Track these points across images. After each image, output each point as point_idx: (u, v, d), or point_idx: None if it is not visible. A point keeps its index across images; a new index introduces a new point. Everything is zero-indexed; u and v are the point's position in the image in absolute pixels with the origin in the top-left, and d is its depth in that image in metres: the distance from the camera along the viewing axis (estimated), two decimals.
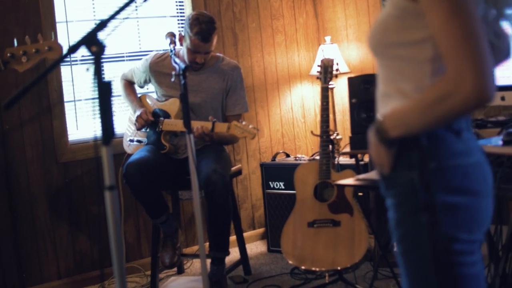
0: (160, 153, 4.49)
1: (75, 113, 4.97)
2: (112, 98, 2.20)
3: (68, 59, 4.88)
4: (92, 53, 2.16)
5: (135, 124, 4.55)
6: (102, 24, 2.19)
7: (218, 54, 4.77)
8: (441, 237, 1.77)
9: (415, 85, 1.83)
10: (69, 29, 4.89)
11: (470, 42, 1.65)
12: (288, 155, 5.47)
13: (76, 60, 4.95)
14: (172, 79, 3.66)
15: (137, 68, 4.77)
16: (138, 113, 4.55)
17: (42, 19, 4.71)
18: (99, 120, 2.19)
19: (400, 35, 1.83)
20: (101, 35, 2.21)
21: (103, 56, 2.18)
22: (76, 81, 4.96)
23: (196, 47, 4.43)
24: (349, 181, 3.85)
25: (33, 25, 4.68)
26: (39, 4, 4.69)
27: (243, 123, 4.06)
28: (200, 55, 4.46)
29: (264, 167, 5.32)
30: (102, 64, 2.20)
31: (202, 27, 4.39)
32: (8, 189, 4.62)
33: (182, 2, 5.46)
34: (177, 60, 3.84)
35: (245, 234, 5.62)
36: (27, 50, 3.71)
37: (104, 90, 2.18)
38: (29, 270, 4.71)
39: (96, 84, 2.15)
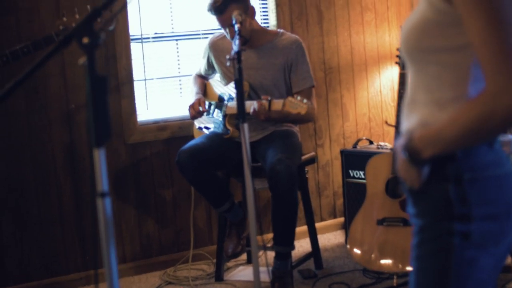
0: (223, 139, 4.27)
1: (146, 92, 4.80)
2: (108, 95, 1.97)
3: (139, 36, 4.71)
4: (83, 45, 1.93)
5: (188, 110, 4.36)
6: (95, 13, 1.96)
7: (278, 30, 4.51)
8: (470, 247, 1.72)
9: (454, 93, 1.73)
10: (141, 5, 4.72)
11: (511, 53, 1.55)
12: (371, 142, 5.12)
13: (148, 38, 4.77)
14: (228, 64, 3.44)
15: (201, 58, 4.59)
16: (191, 102, 4.35)
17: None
18: (92, 119, 1.96)
19: (440, 40, 1.72)
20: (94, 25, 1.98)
21: (96, 47, 1.95)
22: (147, 59, 4.78)
23: (218, 22, 4.25)
24: None
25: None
26: None
27: (298, 98, 3.78)
28: (229, 29, 4.21)
29: (344, 154, 5.01)
30: (95, 57, 1.96)
31: (210, 2, 4.19)
32: (73, 170, 4.51)
33: None
34: (237, 41, 3.59)
35: (325, 223, 5.38)
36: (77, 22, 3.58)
37: (98, 86, 1.95)
38: (92, 253, 4.60)
39: (89, 79, 1.92)
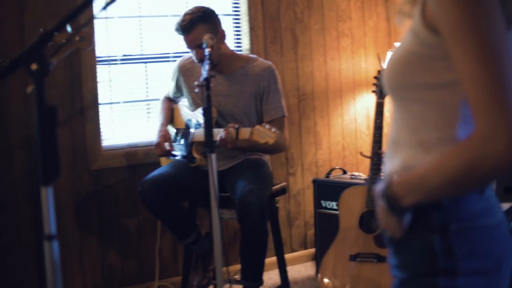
0: (190, 168, 4.09)
1: (112, 116, 4.61)
2: (57, 128, 1.79)
3: (106, 57, 4.52)
4: (31, 73, 1.75)
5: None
6: (45, 36, 1.79)
7: (251, 55, 4.34)
8: None
9: (441, 135, 1.54)
10: (109, 26, 4.53)
11: (505, 93, 1.36)
12: (345, 172, 4.97)
13: (116, 59, 4.59)
14: (196, 90, 3.28)
15: (170, 80, 4.41)
16: (156, 140, 4.20)
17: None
18: (39, 154, 1.78)
19: (425, 75, 1.53)
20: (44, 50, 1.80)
21: (45, 75, 1.77)
22: (114, 82, 4.59)
23: (185, 43, 4.08)
24: None
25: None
26: None
27: (266, 126, 3.60)
28: (195, 50, 4.03)
29: (316, 183, 4.84)
30: (44, 86, 1.78)
31: (178, 21, 4.06)
32: (32, 197, 4.29)
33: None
34: (207, 67, 3.42)
35: (295, 254, 5.20)
36: (56, 41, 3.40)
37: (46, 118, 1.77)
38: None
39: (37, 110, 1.74)
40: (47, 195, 1.78)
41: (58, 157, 1.77)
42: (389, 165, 1.66)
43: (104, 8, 1.92)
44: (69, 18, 1.88)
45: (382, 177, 1.70)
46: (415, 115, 1.57)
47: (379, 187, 1.64)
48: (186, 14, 4.04)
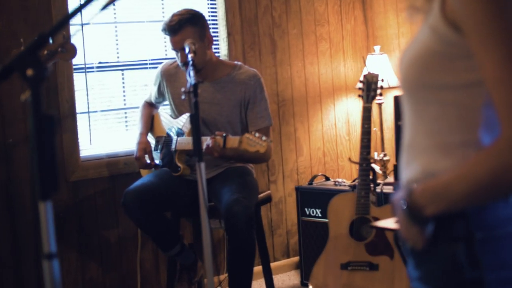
0: (173, 177, 3.98)
1: (89, 126, 4.47)
2: (55, 137, 1.67)
3: (82, 65, 4.39)
4: (27, 79, 1.62)
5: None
6: (41, 40, 1.67)
7: (236, 62, 4.24)
8: None
9: (461, 138, 1.45)
10: (84, 33, 4.40)
11: None
12: (327, 178, 4.88)
13: (92, 67, 4.45)
14: (183, 97, 3.17)
15: (152, 84, 4.30)
16: (135, 152, 4.12)
17: (54, 21, 4.22)
18: (36, 167, 1.66)
19: (445, 75, 1.44)
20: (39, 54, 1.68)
21: (42, 81, 1.65)
22: (91, 91, 4.46)
23: (171, 44, 3.97)
24: (389, 223, 3.28)
25: (44, 27, 4.20)
26: (51, 5, 4.21)
27: (256, 135, 3.50)
28: (180, 52, 3.92)
29: (299, 191, 4.75)
30: (40, 92, 1.66)
31: (165, 21, 3.96)
32: (9, 209, 4.14)
33: (215, 4, 4.93)
34: (191, 73, 3.30)
35: (278, 263, 5.10)
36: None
37: (43, 127, 1.65)
38: None
39: (33, 119, 1.62)
40: (46, 210, 1.66)
41: (57, 169, 1.65)
42: (407, 172, 1.57)
43: (102, 9, 1.81)
44: (62, 23, 1.76)
45: (400, 185, 1.60)
46: (433, 117, 1.49)
47: (398, 195, 1.55)
48: (174, 15, 3.94)
